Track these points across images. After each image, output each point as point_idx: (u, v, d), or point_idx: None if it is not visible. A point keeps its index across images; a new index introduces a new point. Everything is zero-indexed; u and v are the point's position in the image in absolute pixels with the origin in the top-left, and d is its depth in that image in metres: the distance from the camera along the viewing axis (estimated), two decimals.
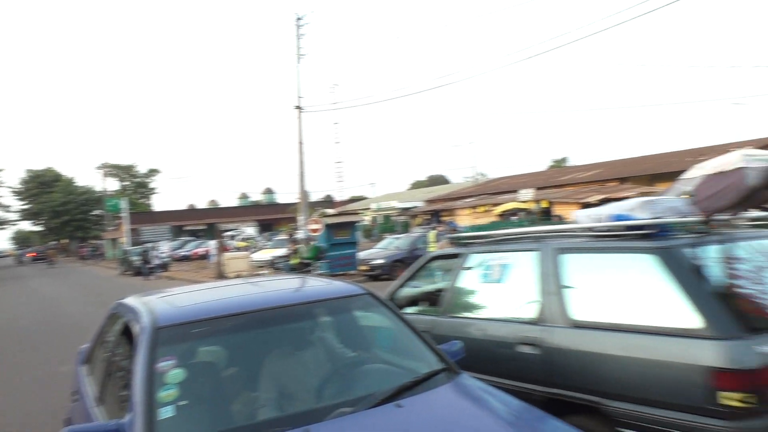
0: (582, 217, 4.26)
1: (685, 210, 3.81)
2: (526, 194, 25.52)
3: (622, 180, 27.26)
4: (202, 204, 79.59)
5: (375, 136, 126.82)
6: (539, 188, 28.83)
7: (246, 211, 65.78)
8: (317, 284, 3.85)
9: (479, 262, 4.37)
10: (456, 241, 4.99)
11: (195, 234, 53.39)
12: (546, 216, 24.33)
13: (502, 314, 4.00)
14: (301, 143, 22.23)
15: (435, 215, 35.22)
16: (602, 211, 4.12)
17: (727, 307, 2.94)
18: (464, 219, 30.34)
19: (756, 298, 2.98)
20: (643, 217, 3.64)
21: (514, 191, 27.59)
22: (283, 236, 30.04)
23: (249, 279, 4.74)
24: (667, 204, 3.90)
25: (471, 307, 4.35)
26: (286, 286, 3.79)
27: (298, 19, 22.92)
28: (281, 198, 72.53)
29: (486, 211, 29.77)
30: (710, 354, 2.80)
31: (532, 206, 25.64)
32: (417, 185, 71.86)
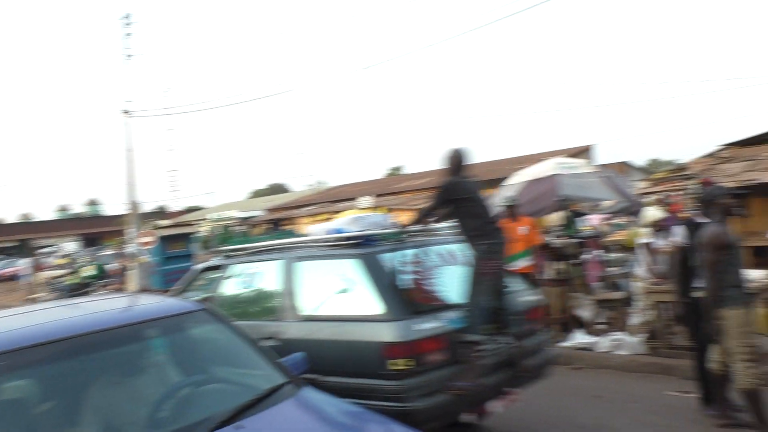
0: (314, 231, 5.29)
1: (386, 223, 4.85)
2: (365, 201, 26.10)
3: None
4: (12, 218, 71.08)
5: (212, 144, 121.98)
6: (378, 195, 29.64)
7: (66, 224, 59.81)
8: (148, 302, 3.59)
9: (238, 272, 4.98)
10: (220, 254, 5.64)
11: (3, 252, 47.58)
12: None
13: (255, 315, 4.60)
14: (129, 150, 20.75)
15: (275, 224, 34.75)
16: (327, 225, 5.23)
17: (401, 297, 3.87)
18: (305, 227, 30.26)
19: (424, 289, 4.01)
20: (353, 229, 4.60)
21: (353, 199, 28.08)
22: (110, 251, 27.74)
23: (67, 301, 4.29)
24: (372, 219, 5.04)
25: (230, 312, 4.73)
26: (111, 307, 3.47)
27: (125, 16, 21.44)
28: (108, 210, 67.10)
29: (327, 218, 29.99)
30: (385, 332, 3.69)
31: (370, 213, 26.24)
32: (257, 194, 70.45)
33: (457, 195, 4.25)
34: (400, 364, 3.58)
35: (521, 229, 7.31)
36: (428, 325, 3.76)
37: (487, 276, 4.10)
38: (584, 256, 8.00)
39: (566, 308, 7.72)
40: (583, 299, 7.64)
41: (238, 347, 3.15)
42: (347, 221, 5.00)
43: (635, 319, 6.86)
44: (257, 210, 42.37)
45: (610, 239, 9.34)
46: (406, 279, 3.97)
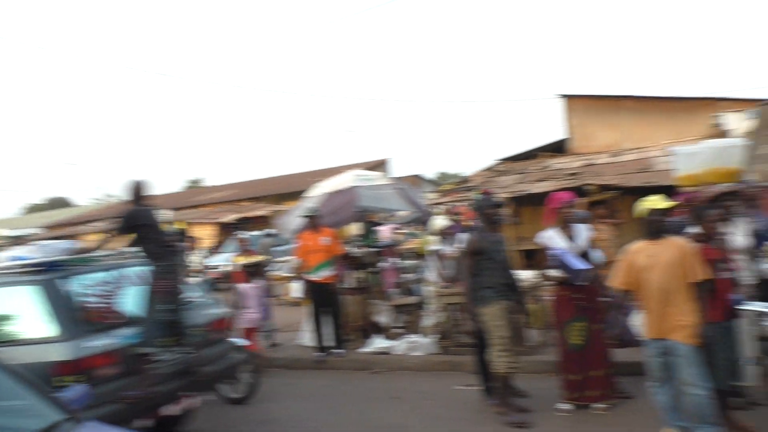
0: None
1: (72, 249, 5.15)
2: (163, 215, 24.64)
3: (257, 199, 28.55)
4: None
5: None
6: (176, 209, 28.15)
7: None
8: None
9: None
10: None
11: None
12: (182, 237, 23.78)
13: None
14: None
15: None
16: (10, 253, 5.51)
17: (76, 319, 4.14)
18: (95, 244, 27.61)
19: (104, 309, 4.37)
20: (37, 256, 4.78)
21: None
22: None
23: None
24: (57, 246, 5.34)
25: None
26: None
27: None
28: None
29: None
30: (54, 353, 3.93)
31: (166, 227, 24.81)
32: (34, 209, 62.73)
33: (138, 222, 4.77)
34: (67, 380, 3.73)
35: (323, 239, 7.43)
36: (100, 342, 4.09)
37: (162, 293, 4.58)
38: (381, 265, 8.40)
39: (366, 315, 8.03)
40: (381, 305, 8.01)
41: (3, 385, 2.77)
42: (32, 249, 5.39)
43: (428, 321, 7.36)
44: (33, 227, 37.72)
45: (404, 248, 9.91)
46: (86, 301, 4.27)
